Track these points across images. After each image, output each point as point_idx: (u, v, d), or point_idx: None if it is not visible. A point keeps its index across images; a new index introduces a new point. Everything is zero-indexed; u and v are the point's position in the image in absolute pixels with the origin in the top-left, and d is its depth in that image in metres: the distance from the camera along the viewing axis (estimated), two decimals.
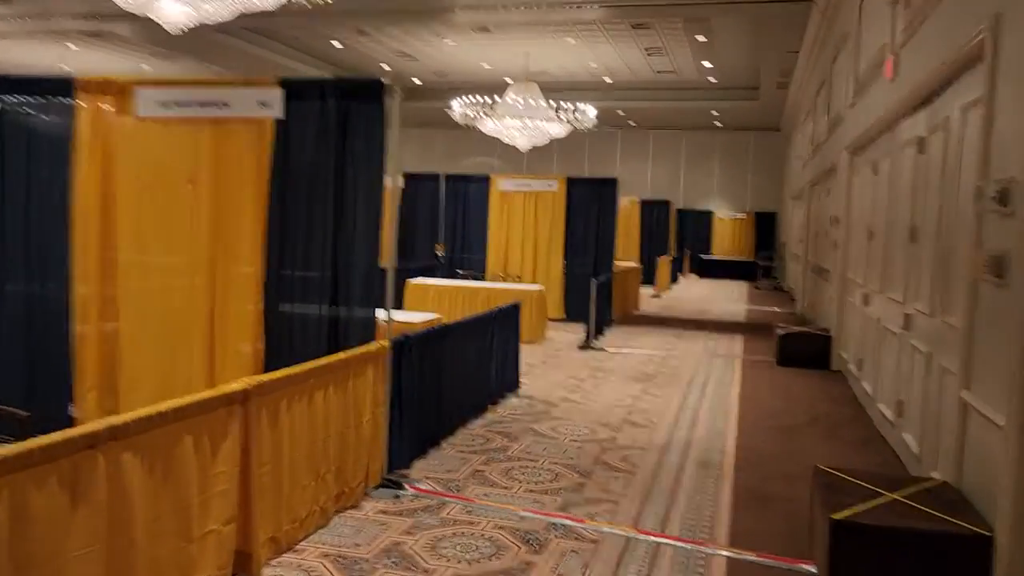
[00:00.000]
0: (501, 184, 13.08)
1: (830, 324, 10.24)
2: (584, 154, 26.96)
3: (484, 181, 13.21)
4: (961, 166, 4.75)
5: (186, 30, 8.49)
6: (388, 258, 4.78)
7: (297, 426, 3.94)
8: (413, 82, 22.21)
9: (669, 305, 16.71)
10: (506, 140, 18.37)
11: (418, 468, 5.22)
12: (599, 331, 11.19)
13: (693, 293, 19.66)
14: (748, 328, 13.32)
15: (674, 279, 21.46)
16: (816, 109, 14.95)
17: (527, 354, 9.59)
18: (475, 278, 12.25)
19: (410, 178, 13.41)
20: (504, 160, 25.89)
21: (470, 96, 17.72)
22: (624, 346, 10.73)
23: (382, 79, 4.53)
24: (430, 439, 5.61)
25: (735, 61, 18.35)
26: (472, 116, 18.05)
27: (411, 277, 11.36)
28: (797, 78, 17.26)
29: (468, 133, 22.22)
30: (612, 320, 12.44)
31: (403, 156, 28.48)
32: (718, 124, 25.03)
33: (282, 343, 4.83)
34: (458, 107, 17.95)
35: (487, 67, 19.73)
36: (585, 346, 10.33)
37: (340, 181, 4.68)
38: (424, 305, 10.76)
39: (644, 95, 22.12)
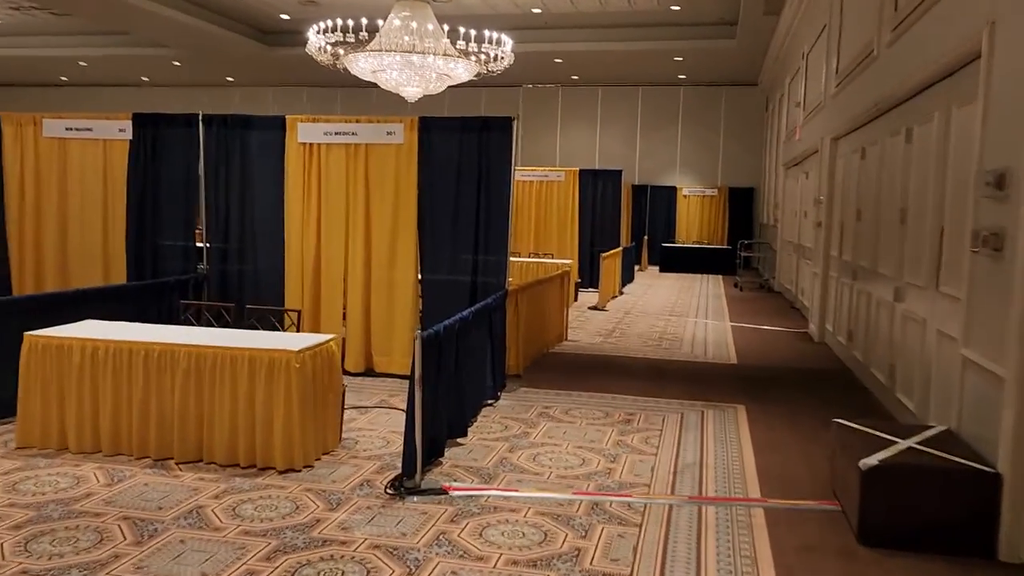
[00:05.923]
0: (303, 131, 6.90)
1: (968, 426, 4.23)
2: (516, 116, 20.72)
3: (276, 127, 7.00)
4: None
5: None
6: None
7: None
8: (279, 18, 15.87)
9: (616, 326, 10.58)
10: (386, 86, 12.17)
11: None
12: (452, 431, 5.08)
13: (653, 300, 13.47)
14: (748, 385, 7.20)
15: (629, 277, 15.42)
16: (841, 19, 8.97)
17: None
18: (251, 317, 6.06)
19: (141, 121, 7.17)
20: None
21: (332, 21, 11.53)
22: (497, 478, 4.60)
23: None
24: None
25: None
26: (335, 52, 11.89)
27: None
28: None
29: (374, 92, 15.91)
30: (507, 378, 6.39)
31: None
32: (681, 76, 18.97)
33: None
34: (314, 38, 11.70)
35: None
36: (401, 488, 4.23)
37: None
38: (58, 400, 4.66)
39: (587, 35, 16.01)
